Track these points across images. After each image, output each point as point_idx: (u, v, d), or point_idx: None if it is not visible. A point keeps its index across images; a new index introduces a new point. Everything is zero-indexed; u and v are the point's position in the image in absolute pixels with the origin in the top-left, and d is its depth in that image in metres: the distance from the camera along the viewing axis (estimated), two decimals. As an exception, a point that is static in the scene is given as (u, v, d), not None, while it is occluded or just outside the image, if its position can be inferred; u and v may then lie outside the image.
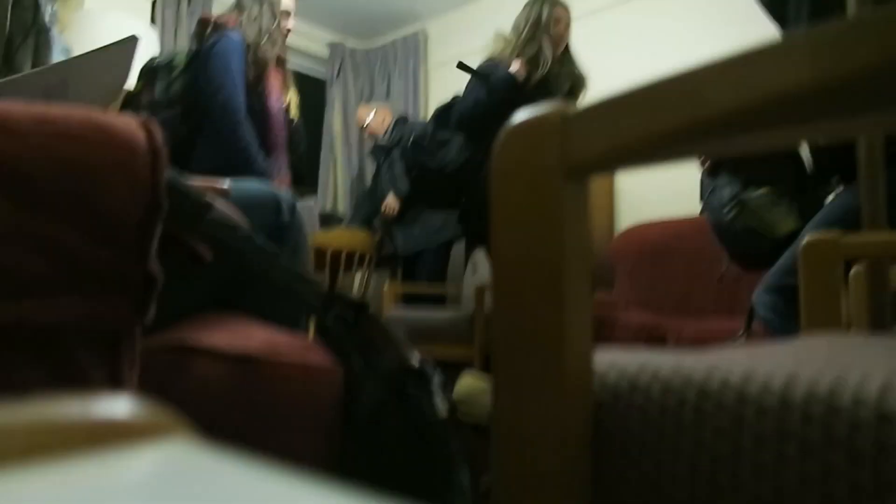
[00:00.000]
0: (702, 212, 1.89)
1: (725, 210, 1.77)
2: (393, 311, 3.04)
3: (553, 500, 0.27)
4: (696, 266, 2.71)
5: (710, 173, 1.82)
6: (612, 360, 0.30)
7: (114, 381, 0.49)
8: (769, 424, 0.24)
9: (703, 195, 1.89)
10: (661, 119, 0.22)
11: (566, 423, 0.27)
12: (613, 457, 0.28)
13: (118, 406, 0.16)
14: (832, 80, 0.18)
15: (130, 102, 2.19)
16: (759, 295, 1.63)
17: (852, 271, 1.03)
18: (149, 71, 2.20)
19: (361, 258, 3.08)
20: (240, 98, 2.08)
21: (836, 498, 0.22)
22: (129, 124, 0.50)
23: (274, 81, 2.19)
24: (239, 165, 2.07)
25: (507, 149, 0.28)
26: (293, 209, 0.97)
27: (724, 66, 0.21)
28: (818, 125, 0.20)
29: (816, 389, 0.23)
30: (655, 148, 0.23)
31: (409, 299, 3.22)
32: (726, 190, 1.77)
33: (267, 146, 2.15)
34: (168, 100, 2.16)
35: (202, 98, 2.11)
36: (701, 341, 2.14)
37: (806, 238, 0.80)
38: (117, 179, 0.49)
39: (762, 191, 1.70)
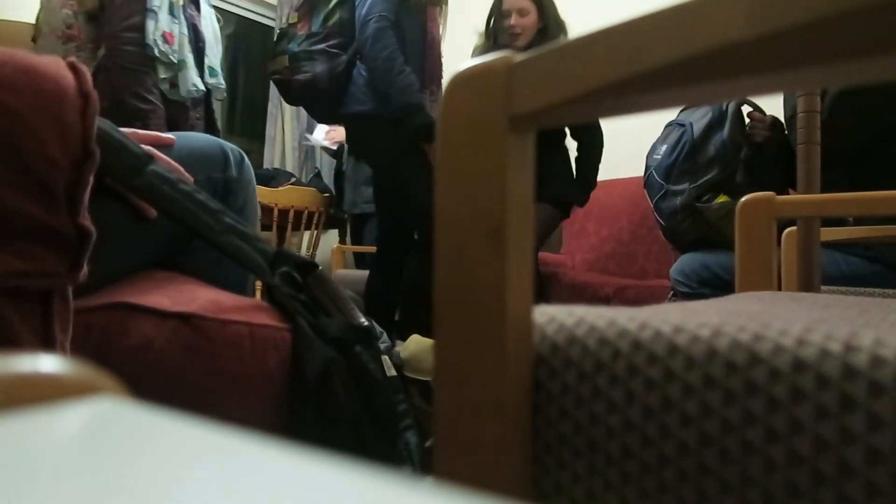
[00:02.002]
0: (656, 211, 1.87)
1: (679, 218, 1.76)
2: (342, 272, 3.02)
3: (493, 454, 0.28)
4: (641, 228, 2.78)
5: (665, 176, 1.80)
6: (551, 315, 0.30)
7: (44, 340, 0.47)
8: (696, 375, 0.25)
9: (653, 193, 1.87)
10: (602, 71, 0.22)
11: (506, 377, 0.27)
12: (551, 411, 0.29)
13: (42, 364, 0.15)
14: (771, 31, 0.19)
15: (285, 35, 2.08)
16: (676, 273, 1.68)
17: (785, 232, 1.08)
18: (307, 1, 2.08)
19: (311, 217, 3.03)
20: (384, 7, 1.93)
21: (755, 443, 0.23)
22: (55, 65, 0.47)
23: (435, 14, 2.09)
24: (382, 83, 1.92)
25: (452, 97, 0.27)
26: (242, 163, 0.93)
27: (666, 16, 0.21)
28: (760, 78, 0.20)
29: (740, 338, 0.24)
30: (598, 101, 0.23)
31: (364, 262, 3.20)
32: (678, 198, 1.76)
33: (423, 77, 2.03)
34: (325, 32, 2.03)
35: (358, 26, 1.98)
36: (643, 301, 2.21)
37: (742, 198, 0.83)
38: (43, 126, 0.46)
39: (720, 200, 1.69)
